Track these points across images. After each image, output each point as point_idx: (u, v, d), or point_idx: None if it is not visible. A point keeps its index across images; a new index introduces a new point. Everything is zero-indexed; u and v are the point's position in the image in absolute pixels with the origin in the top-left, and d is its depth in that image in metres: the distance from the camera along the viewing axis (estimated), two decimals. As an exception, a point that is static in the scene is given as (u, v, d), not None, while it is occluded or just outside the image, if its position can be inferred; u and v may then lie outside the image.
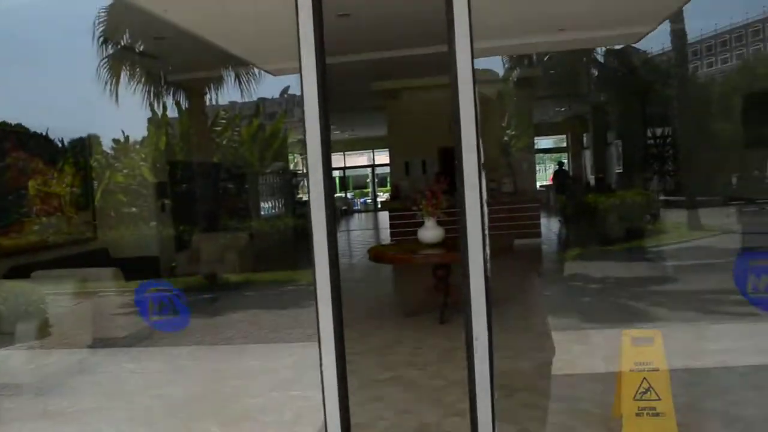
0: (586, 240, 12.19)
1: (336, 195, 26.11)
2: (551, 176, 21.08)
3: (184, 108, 13.43)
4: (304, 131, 2.39)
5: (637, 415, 3.27)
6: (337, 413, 2.45)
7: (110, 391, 5.30)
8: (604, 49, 17.00)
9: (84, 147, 10.25)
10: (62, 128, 10.26)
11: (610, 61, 18.00)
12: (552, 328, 6.00)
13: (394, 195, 14.99)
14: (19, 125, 8.91)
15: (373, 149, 26.39)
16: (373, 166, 27.57)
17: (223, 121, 15.80)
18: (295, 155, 20.63)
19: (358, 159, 27.95)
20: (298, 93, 2.43)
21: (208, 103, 14.02)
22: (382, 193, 26.08)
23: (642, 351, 3.29)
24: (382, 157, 23.77)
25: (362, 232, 19.85)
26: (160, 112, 13.08)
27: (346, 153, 26.57)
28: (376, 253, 7.82)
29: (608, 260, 10.21)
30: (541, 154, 23.64)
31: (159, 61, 11.71)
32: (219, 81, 13.12)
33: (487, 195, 2.36)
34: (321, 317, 2.44)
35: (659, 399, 3.24)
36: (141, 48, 11.29)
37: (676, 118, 13.79)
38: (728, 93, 17.96)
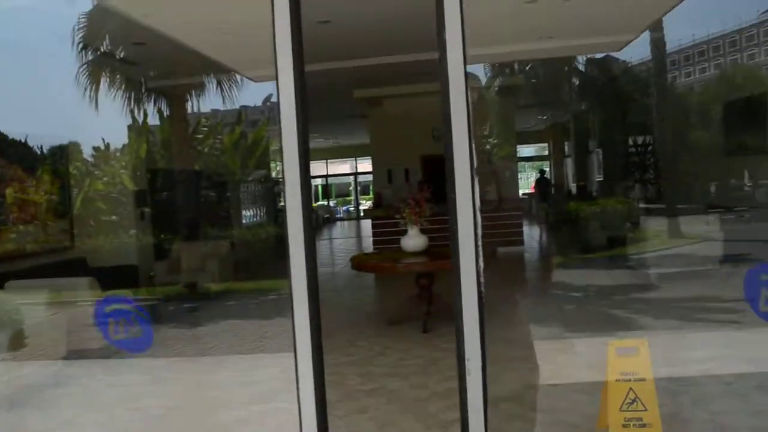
0: (568, 248, 12.22)
1: (318, 203, 26.25)
2: (533, 184, 21.18)
3: (165, 115, 13.29)
4: (280, 141, 2.29)
5: (624, 426, 3.22)
6: (314, 425, 2.31)
7: (85, 404, 5.15)
8: (585, 58, 17.18)
9: (63, 154, 10.10)
10: (41, 135, 10.10)
11: (591, 71, 18.17)
12: (534, 336, 5.95)
13: (377, 203, 14.94)
14: (-3, 132, 8.78)
15: (355, 157, 26.38)
16: (355, 174, 27.56)
17: (205, 128, 15.69)
18: (277, 163, 20.52)
19: (341, 167, 27.94)
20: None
21: (189, 110, 13.86)
22: (364, 201, 26.04)
23: (628, 361, 3.25)
24: (365, 165, 23.77)
25: (345, 240, 19.78)
26: (140, 119, 12.93)
27: (328, 161, 26.55)
28: (359, 262, 7.77)
29: (590, 268, 10.24)
30: (523, 162, 23.76)
31: (139, 68, 11.58)
32: (201, 88, 13.00)
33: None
34: (297, 325, 2.30)
35: (645, 409, 3.20)
36: (121, 54, 11.14)
37: (656, 126, 13.91)
38: (707, 102, 18.22)
